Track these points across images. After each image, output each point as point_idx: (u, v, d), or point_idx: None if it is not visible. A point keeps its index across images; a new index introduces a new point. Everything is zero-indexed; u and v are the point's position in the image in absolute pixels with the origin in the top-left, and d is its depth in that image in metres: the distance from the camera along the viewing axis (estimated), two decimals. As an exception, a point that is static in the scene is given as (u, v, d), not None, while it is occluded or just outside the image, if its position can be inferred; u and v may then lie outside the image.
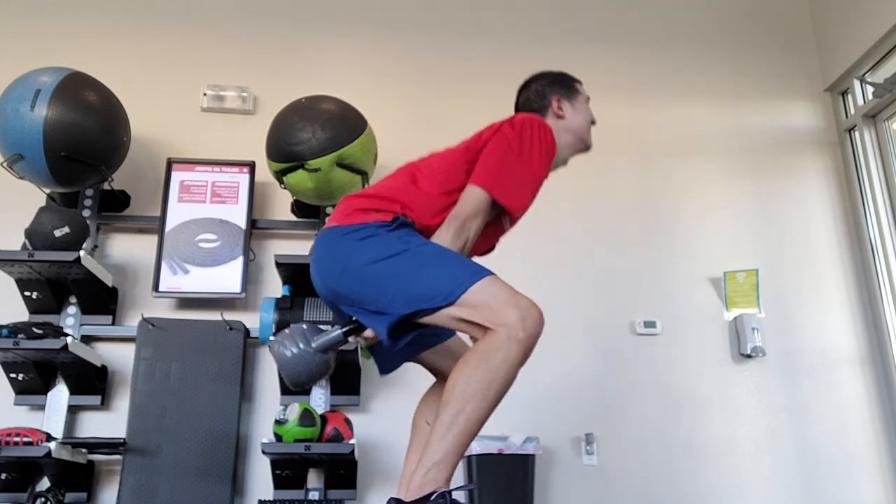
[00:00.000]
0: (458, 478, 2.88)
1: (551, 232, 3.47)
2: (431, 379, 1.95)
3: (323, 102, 2.99)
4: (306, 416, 2.63)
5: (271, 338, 2.73)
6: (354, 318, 1.70)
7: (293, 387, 1.73)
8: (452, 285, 1.50)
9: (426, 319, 1.54)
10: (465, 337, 1.65)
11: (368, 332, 1.71)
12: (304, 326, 1.71)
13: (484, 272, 1.54)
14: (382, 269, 1.58)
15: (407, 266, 1.57)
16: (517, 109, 2.08)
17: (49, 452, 2.48)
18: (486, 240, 1.87)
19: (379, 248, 1.60)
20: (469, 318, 1.49)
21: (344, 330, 1.69)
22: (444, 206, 1.71)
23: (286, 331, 1.73)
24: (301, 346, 1.67)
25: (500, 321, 1.46)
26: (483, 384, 1.43)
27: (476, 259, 1.75)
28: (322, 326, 1.73)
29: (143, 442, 2.76)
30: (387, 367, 1.88)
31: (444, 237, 1.66)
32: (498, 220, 1.83)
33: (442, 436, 1.42)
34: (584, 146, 2.03)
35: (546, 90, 2.01)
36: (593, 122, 2.05)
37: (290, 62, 3.60)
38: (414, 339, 1.67)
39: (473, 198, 1.70)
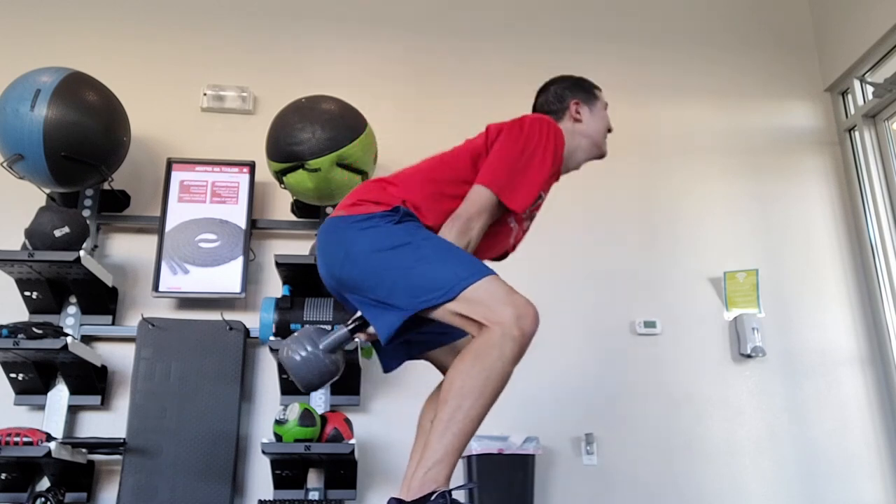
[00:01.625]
0: (459, 478, 2.88)
1: (551, 232, 3.46)
2: (432, 379, 1.94)
3: (323, 102, 2.99)
4: (306, 416, 2.63)
5: (275, 339, 2.74)
6: (359, 315, 1.71)
7: (305, 390, 1.74)
8: (452, 281, 1.51)
9: (427, 315, 1.55)
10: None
11: (373, 329, 1.71)
12: (310, 329, 1.72)
13: (485, 271, 1.55)
14: (384, 259, 1.59)
15: (409, 258, 1.58)
16: (534, 109, 2.09)
17: (49, 452, 2.48)
18: (496, 243, 1.87)
19: (382, 238, 1.61)
20: (466, 314, 1.50)
21: (350, 328, 1.71)
22: (449, 208, 1.72)
23: (293, 336, 1.74)
24: (309, 348, 1.68)
25: (495, 319, 1.47)
26: (479, 381, 1.44)
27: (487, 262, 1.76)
28: (326, 328, 1.74)
29: (143, 442, 2.75)
30: (391, 364, 1.88)
31: (448, 234, 1.67)
32: (505, 222, 1.83)
33: (441, 434, 1.43)
34: (600, 153, 2.05)
35: (565, 94, 2.03)
36: (610, 130, 2.06)
37: (290, 62, 3.60)
38: (424, 338, 1.67)
39: (478, 197, 1.71)
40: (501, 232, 1.84)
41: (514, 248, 1.98)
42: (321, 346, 1.68)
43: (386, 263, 1.59)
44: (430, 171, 1.79)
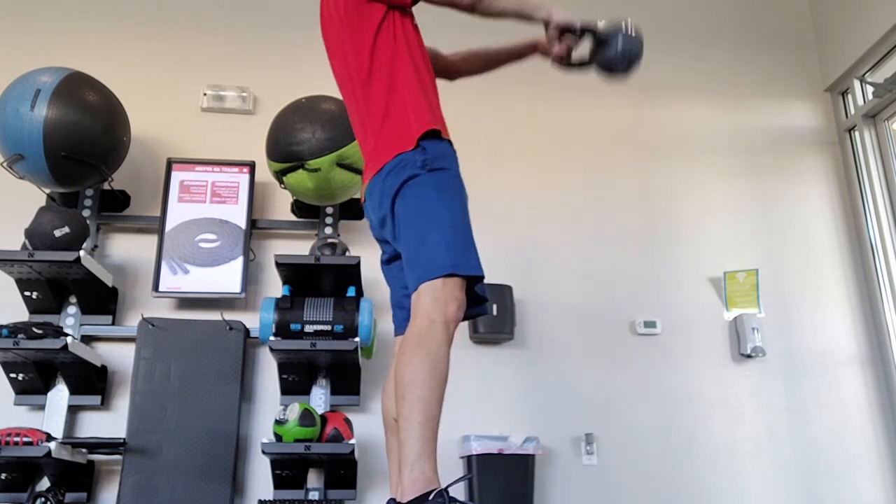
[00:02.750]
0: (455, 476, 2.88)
1: (551, 231, 3.47)
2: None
3: (323, 102, 2.99)
4: (306, 416, 2.63)
5: (275, 339, 2.74)
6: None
7: (625, 71, 1.92)
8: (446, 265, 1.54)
9: None
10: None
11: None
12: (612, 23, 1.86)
13: (473, 269, 1.58)
14: (427, 207, 1.61)
15: (443, 220, 1.59)
16: None
17: (49, 452, 2.48)
18: None
19: (419, 191, 1.62)
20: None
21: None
22: (417, 78, 1.76)
23: (622, 20, 1.83)
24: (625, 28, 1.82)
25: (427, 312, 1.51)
26: (424, 367, 1.46)
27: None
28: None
29: (143, 442, 2.76)
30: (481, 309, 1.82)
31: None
32: None
33: (409, 429, 1.44)
34: None
35: None
36: None
37: (290, 62, 3.60)
38: None
39: None
40: None
41: None
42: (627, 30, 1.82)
43: (426, 210, 1.61)
44: (377, 99, 1.74)
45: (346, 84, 1.83)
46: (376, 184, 1.69)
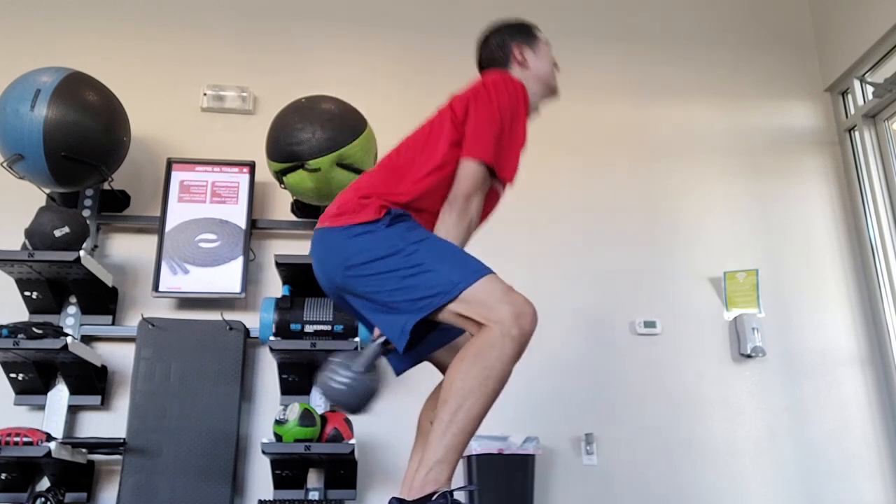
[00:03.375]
0: (459, 478, 2.88)
1: (551, 232, 3.47)
2: (432, 379, 1.94)
3: (323, 102, 2.99)
4: (306, 416, 2.63)
5: (275, 339, 2.74)
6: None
7: (353, 414, 1.75)
8: (449, 284, 1.51)
9: (431, 318, 1.55)
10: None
11: None
12: (338, 357, 1.72)
13: (483, 270, 1.55)
14: (380, 267, 1.58)
15: (404, 265, 1.56)
16: (480, 64, 2.08)
17: (49, 452, 2.48)
18: (486, 210, 1.85)
19: (375, 247, 1.60)
20: (465, 314, 1.50)
21: (379, 342, 1.70)
22: (431, 186, 1.70)
23: (325, 368, 1.72)
24: (348, 374, 1.67)
25: (494, 318, 1.47)
26: (479, 381, 1.44)
27: (474, 233, 1.77)
28: (351, 351, 1.76)
29: (143, 442, 2.75)
30: (402, 366, 1.88)
31: (448, 220, 1.67)
32: (492, 188, 1.81)
33: (442, 434, 1.43)
34: (552, 92, 2.02)
35: (507, 40, 2.00)
36: (556, 67, 2.03)
37: (290, 62, 3.60)
38: (427, 338, 1.66)
39: (471, 173, 1.70)
40: (490, 197, 1.82)
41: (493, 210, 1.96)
42: (356, 370, 1.67)
43: (383, 272, 1.58)
44: (408, 163, 1.75)
45: (423, 137, 1.83)
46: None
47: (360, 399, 1.70)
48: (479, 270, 1.54)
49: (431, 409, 1.86)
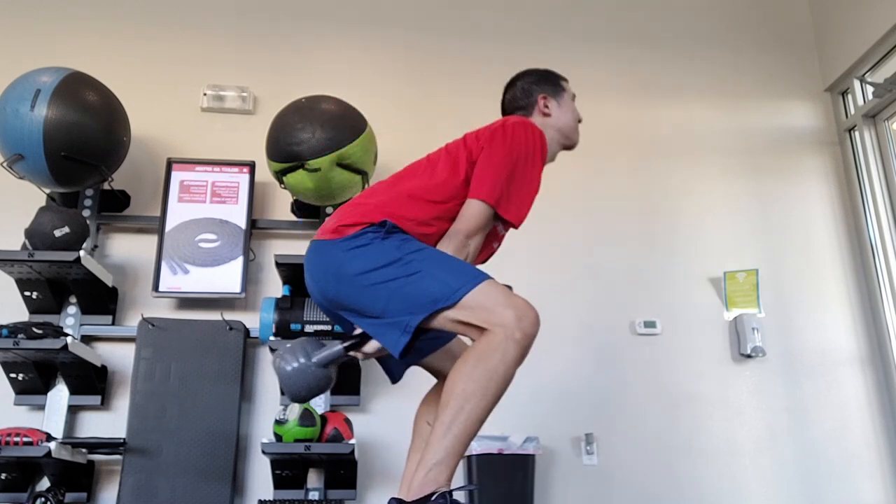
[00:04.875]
0: (459, 478, 2.88)
1: (551, 232, 3.47)
2: (431, 380, 1.95)
3: (323, 102, 2.99)
4: (306, 416, 2.63)
5: (275, 339, 2.74)
6: (356, 334, 1.69)
7: (293, 401, 1.73)
8: (448, 290, 1.50)
9: (427, 324, 1.54)
10: (465, 338, 1.65)
11: (369, 347, 1.69)
12: (306, 340, 1.71)
13: (481, 276, 1.54)
14: (376, 277, 1.57)
15: (401, 274, 1.55)
16: (504, 108, 2.08)
17: (49, 452, 2.48)
18: (485, 249, 1.86)
19: (371, 257, 1.59)
20: (466, 320, 1.50)
21: (345, 345, 1.68)
22: (434, 215, 1.70)
23: (287, 345, 1.72)
24: (301, 360, 1.66)
25: (496, 322, 1.46)
26: (482, 384, 1.44)
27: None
28: (324, 341, 1.72)
29: (143, 442, 2.76)
30: (397, 373, 1.88)
31: (445, 251, 1.66)
32: (493, 228, 1.82)
33: (442, 435, 1.43)
34: (570, 143, 2.03)
35: (532, 88, 2.01)
36: (579, 121, 2.04)
37: (290, 62, 3.60)
38: (420, 345, 1.66)
39: (475, 212, 1.69)
40: (490, 237, 1.83)
41: (497, 249, 1.97)
42: (314, 360, 1.66)
43: (379, 283, 1.56)
44: (412, 188, 1.74)
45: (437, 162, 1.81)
46: None
47: (301, 389, 1.67)
48: (478, 276, 1.54)
49: (427, 411, 1.86)
